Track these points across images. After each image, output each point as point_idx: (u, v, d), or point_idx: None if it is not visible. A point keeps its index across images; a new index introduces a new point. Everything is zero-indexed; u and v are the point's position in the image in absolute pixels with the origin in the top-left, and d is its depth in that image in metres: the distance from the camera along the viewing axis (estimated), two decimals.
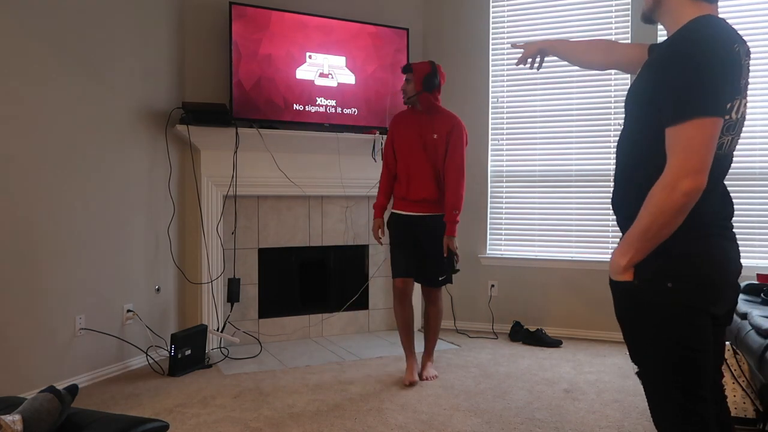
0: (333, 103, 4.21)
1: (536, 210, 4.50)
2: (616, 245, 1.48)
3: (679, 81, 1.33)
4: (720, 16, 1.46)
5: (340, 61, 4.23)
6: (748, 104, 1.49)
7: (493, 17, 4.56)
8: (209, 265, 3.92)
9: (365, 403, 3.00)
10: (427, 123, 3.35)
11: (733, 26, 1.44)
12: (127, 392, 3.14)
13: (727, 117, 1.35)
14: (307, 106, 4.13)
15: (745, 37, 1.44)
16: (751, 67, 1.45)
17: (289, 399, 3.05)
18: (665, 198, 1.32)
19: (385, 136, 4.28)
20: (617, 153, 1.56)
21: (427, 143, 3.32)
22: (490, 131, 4.57)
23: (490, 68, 4.56)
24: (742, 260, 1.50)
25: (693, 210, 1.36)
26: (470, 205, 4.62)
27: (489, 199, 4.60)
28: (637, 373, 1.52)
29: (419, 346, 3.56)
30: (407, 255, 3.35)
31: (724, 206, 1.47)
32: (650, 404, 1.49)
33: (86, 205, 3.28)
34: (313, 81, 4.15)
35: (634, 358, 1.52)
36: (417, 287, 3.63)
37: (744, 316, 2.89)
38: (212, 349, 3.91)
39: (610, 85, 4.26)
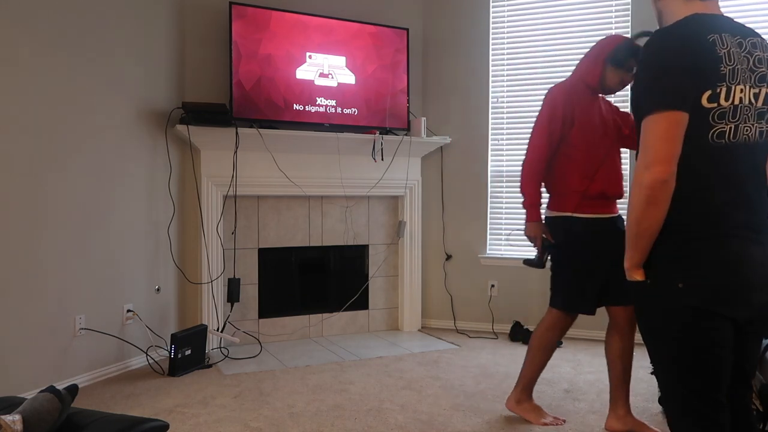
0: (333, 103, 4.21)
1: None
2: None
3: (638, 84, 1.43)
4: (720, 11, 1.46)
5: (340, 61, 4.23)
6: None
7: (493, 17, 4.56)
8: (209, 265, 3.92)
9: (365, 403, 3.00)
10: (606, 105, 2.77)
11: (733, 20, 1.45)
12: (127, 392, 3.14)
13: (713, 105, 1.37)
14: (307, 106, 4.13)
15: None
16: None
17: (289, 399, 3.05)
18: (634, 193, 1.40)
19: (384, 137, 4.30)
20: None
21: (616, 130, 2.74)
22: (490, 131, 4.57)
23: (490, 68, 4.56)
24: None
25: (701, 209, 1.39)
26: (470, 206, 4.63)
27: (489, 199, 4.60)
28: (651, 373, 1.52)
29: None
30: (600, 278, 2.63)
31: (745, 205, 1.42)
32: (664, 404, 1.48)
33: (86, 204, 3.28)
34: (313, 81, 4.15)
35: (650, 357, 1.52)
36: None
37: None
38: (212, 349, 3.91)
39: None
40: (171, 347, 3.41)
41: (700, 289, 1.38)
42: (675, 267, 1.41)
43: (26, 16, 2.95)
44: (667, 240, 1.42)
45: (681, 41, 1.38)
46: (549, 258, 2.74)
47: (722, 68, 1.37)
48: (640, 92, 1.42)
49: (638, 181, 1.38)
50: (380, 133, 4.31)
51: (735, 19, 1.48)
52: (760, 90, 1.41)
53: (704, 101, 1.37)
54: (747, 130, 1.40)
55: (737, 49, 1.39)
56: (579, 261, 2.64)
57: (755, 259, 1.40)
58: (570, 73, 2.80)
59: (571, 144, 2.66)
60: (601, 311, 4.36)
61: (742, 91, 1.38)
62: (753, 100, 1.40)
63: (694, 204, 1.40)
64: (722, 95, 1.37)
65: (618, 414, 2.67)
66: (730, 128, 1.39)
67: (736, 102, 1.38)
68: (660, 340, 1.47)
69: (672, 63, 1.37)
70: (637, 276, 1.46)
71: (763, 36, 1.51)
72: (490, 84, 4.57)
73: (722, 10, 1.52)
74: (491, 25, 4.56)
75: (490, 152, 4.58)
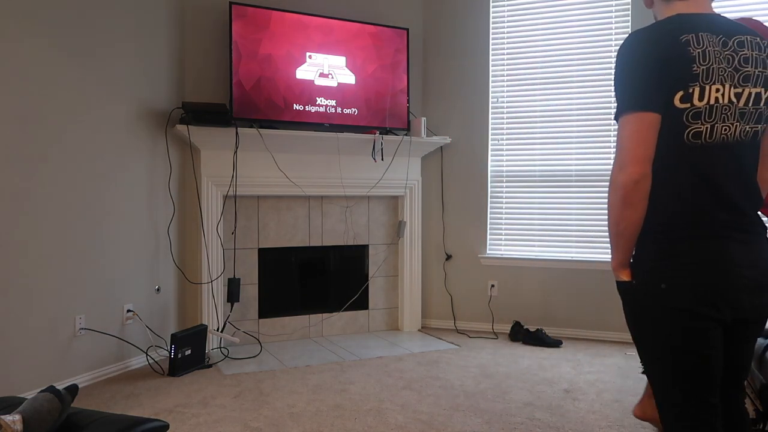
0: (333, 103, 4.21)
1: (536, 210, 4.50)
2: None
3: (614, 85, 1.44)
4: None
5: (340, 61, 4.23)
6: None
7: (493, 17, 4.56)
8: (209, 265, 3.92)
9: (365, 403, 3.00)
10: None
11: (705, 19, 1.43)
12: (127, 392, 3.14)
13: (686, 105, 1.36)
14: (307, 106, 4.13)
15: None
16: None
17: (289, 399, 3.05)
18: (610, 193, 1.41)
19: (384, 137, 4.30)
20: None
21: None
22: (490, 131, 4.57)
23: (490, 68, 4.56)
24: None
25: (680, 210, 1.38)
26: (470, 205, 4.63)
27: (489, 199, 4.60)
28: (642, 372, 1.52)
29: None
30: None
31: (727, 205, 1.40)
32: (656, 403, 1.49)
33: (86, 204, 3.28)
34: (313, 81, 4.15)
35: (640, 357, 1.52)
36: None
37: None
38: (212, 349, 3.91)
39: (610, 85, 4.26)
40: (171, 347, 3.41)
41: (683, 291, 1.37)
42: (658, 268, 1.40)
43: (26, 17, 2.95)
44: (649, 240, 1.42)
45: (650, 43, 1.38)
46: None
47: (695, 68, 1.35)
48: (615, 94, 1.43)
49: (613, 181, 1.40)
50: (380, 133, 4.31)
51: (729, 17, 1.47)
52: (743, 90, 1.39)
53: (677, 102, 1.36)
54: (725, 129, 1.39)
55: (718, 48, 1.38)
56: None
57: (741, 260, 1.38)
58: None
59: None
60: (600, 312, 4.36)
61: (718, 90, 1.37)
62: (734, 100, 1.38)
63: (673, 204, 1.40)
64: (695, 95, 1.36)
65: (651, 402, 2.69)
66: (706, 128, 1.38)
67: (712, 102, 1.37)
68: (648, 341, 1.46)
69: (641, 65, 1.37)
70: (623, 276, 1.47)
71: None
72: (490, 84, 4.57)
73: (723, 10, 1.50)
74: (491, 25, 4.56)
75: (490, 152, 4.59)
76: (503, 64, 4.56)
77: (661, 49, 1.36)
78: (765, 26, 2.40)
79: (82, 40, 3.23)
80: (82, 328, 3.25)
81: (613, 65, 1.46)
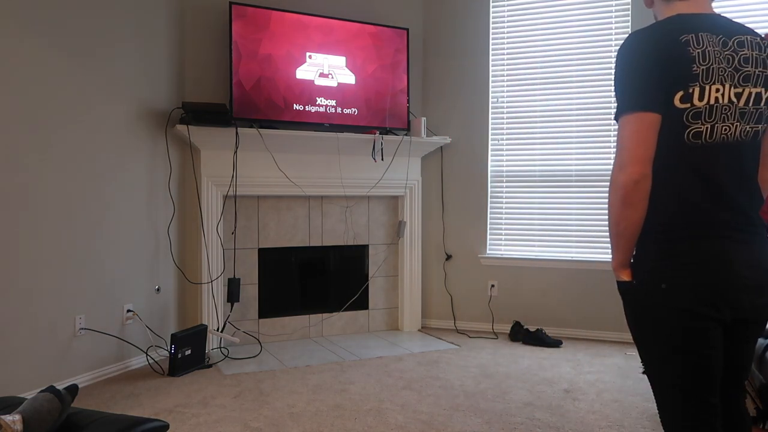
0: (333, 103, 4.21)
1: (536, 210, 4.50)
2: None
3: (614, 86, 1.44)
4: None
5: (340, 61, 4.23)
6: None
7: (493, 17, 4.56)
8: (209, 265, 3.92)
9: (365, 403, 3.00)
10: None
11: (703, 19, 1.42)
12: (127, 392, 3.14)
13: (686, 105, 1.36)
14: (307, 106, 4.13)
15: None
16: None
17: (289, 399, 3.05)
18: (610, 194, 1.41)
19: (384, 137, 4.30)
20: None
21: None
22: (490, 131, 4.57)
23: (490, 68, 4.56)
24: None
25: (680, 210, 1.38)
26: (470, 205, 4.63)
27: (489, 199, 4.60)
28: (642, 372, 1.52)
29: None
30: None
31: (727, 205, 1.39)
32: (656, 403, 1.49)
33: (86, 204, 3.28)
34: (313, 81, 4.15)
35: (640, 357, 1.52)
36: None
37: None
38: (212, 349, 3.91)
39: (609, 85, 4.26)
40: (171, 347, 3.41)
41: (683, 290, 1.37)
42: (658, 268, 1.40)
43: (26, 17, 2.95)
44: (649, 240, 1.42)
45: (650, 43, 1.38)
46: None
47: (695, 68, 1.35)
48: (615, 94, 1.43)
49: (613, 181, 1.40)
50: (380, 133, 4.31)
51: (731, 18, 1.47)
52: (743, 89, 1.39)
53: (677, 102, 1.36)
54: (725, 129, 1.39)
55: (718, 48, 1.38)
56: None
57: (742, 259, 1.38)
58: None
59: None
60: (600, 312, 4.36)
61: (718, 90, 1.37)
62: (734, 100, 1.38)
63: (673, 204, 1.40)
64: (695, 95, 1.36)
65: None
66: (707, 128, 1.37)
67: (712, 102, 1.37)
68: (648, 341, 1.46)
69: (641, 65, 1.37)
70: (624, 276, 1.47)
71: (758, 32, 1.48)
72: (490, 84, 4.57)
73: (723, 10, 1.50)
74: (491, 25, 4.56)
75: (490, 152, 4.59)
76: (503, 64, 4.56)
77: (661, 49, 1.36)
78: None
79: (82, 40, 3.23)
80: (82, 328, 3.25)
81: (613, 65, 1.46)
